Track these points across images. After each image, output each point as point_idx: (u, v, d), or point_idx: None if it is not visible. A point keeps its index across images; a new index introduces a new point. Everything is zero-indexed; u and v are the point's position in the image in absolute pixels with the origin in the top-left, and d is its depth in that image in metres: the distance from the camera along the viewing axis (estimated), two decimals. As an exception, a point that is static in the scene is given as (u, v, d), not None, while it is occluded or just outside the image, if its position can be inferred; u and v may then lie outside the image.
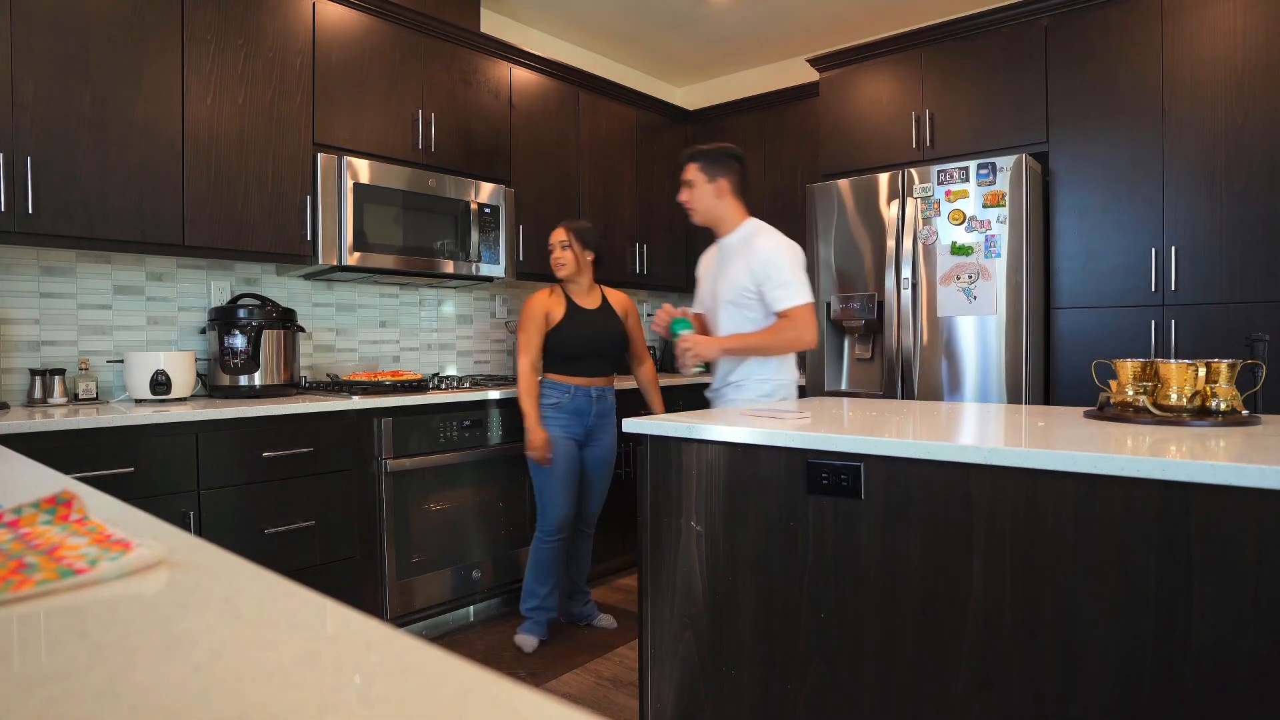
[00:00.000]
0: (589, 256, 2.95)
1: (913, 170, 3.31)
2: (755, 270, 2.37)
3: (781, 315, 2.35)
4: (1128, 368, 1.84)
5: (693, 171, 2.50)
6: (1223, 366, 1.73)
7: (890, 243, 3.36)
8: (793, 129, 4.31)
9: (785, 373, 2.48)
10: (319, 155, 2.95)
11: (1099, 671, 1.33)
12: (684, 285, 4.77)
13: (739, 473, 1.77)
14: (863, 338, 3.53)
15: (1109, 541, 1.32)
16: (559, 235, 2.93)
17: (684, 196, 2.54)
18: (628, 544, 3.78)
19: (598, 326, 2.95)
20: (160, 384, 2.58)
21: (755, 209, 4.38)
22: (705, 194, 2.49)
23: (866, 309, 3.43)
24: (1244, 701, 1.20)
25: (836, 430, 1.68)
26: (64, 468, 2.08)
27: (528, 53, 3.76)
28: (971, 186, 3.15)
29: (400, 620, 2.85)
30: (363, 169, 3.03)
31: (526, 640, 2.88)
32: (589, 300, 2.98)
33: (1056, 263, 3.23)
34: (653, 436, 1.92)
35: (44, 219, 2.34)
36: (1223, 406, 1.71)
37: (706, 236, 4.72)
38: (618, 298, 3.06)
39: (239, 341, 2.80)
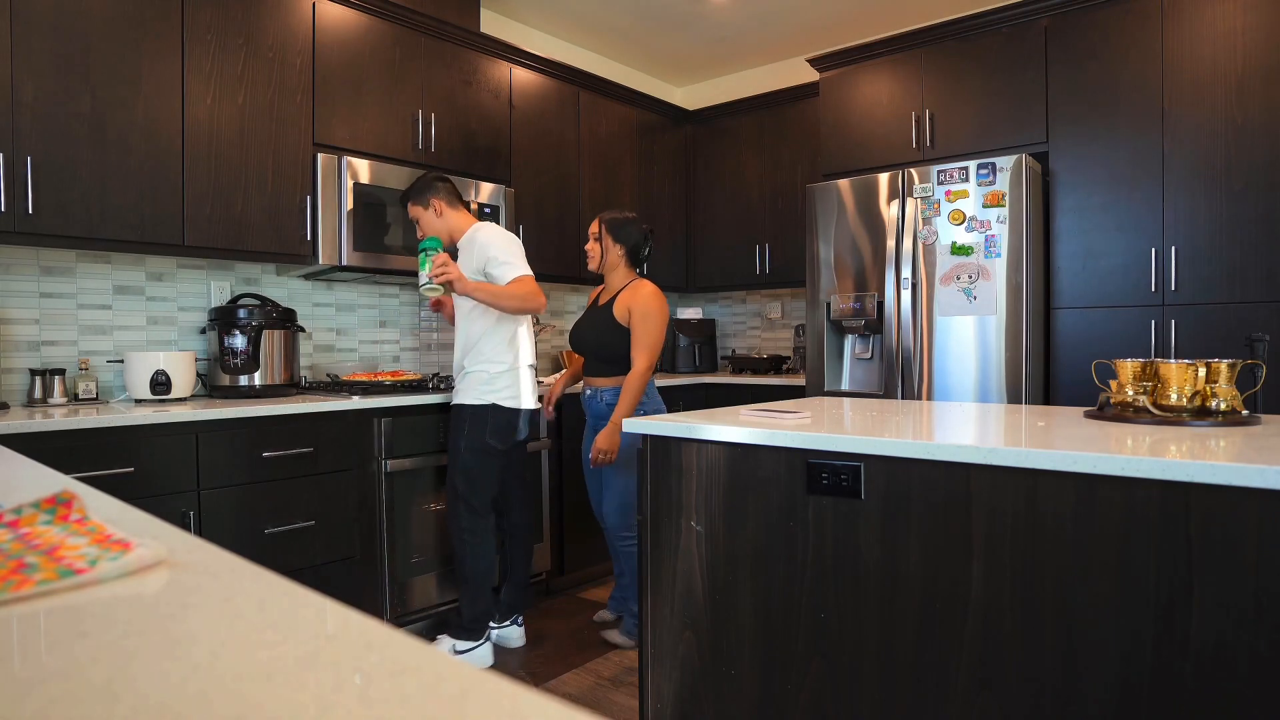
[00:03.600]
0: (618, 250, 2.90)
1: (913, 170, 3.31)
2: (478, 259, 2.66)
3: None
4: (1128, 368, 1.84)
5: (413, 212, 2.79)
6: (1223, 366, 1.73)
7: (890, 243, 3.36)
8: (793, 129, 4.31)
9: (505, 355, 2.69)
10: (319, 155, 2.95)
11: (1099, 671, 1.33)
12: (684, 285, 4.77)
13: (739, 473, 1.77)
14: (863, 338, 3.53)
15: (1109, 541, 1.32)
16: (592, 226, 2.96)
17: (419, 234, 2.80)
18: (628, 544, 3.78)
19: (586, 324, 2.93)
20: (160, 384, 2.58)
21: (756, 209, 4.43)
22: (430, 220, 2.76)
23: (866, 309, 3.43)
24: (1244, 701, 1.20)
25: (836, 430, 1.68)
26: (64, 468, 2.08)
27: (528, 53, 3.77)
28: (971, 186, 3.15)
29: (400, 620, 2.85)
30: (363, 169, 3.03)
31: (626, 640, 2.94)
32: (606, 296, 2.93)
33: (1056, 263, 3.23)
34: (653, 436, 1.92)
35: (44, 219, 2.34)
36: (1223, 406, 1.71)
37: (709, 236, 4.72)
38: (629, 293, 2.84)
39: (239, 341, 2.80)
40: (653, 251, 3.03)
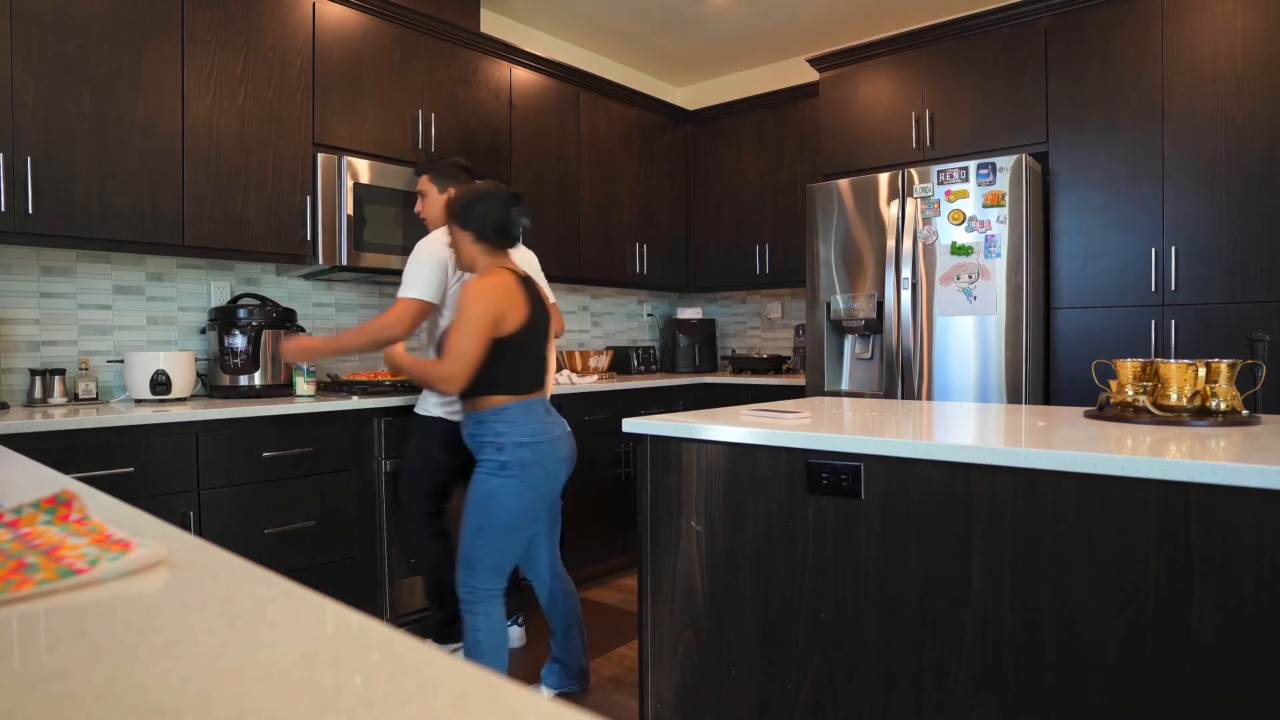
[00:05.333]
0: (469, 238, 2.19)
1: (913, 170, 3.31)
2: None
3: None
4: (1128, 368, 1.84)
5: (424, 183, 2.67)
6: (1223, 366, 1.73)
7: (890, 243, 3.36)
8: (793, 129, 4.31)
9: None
10: (319, 155, 2.95)
11: (1099, 671, 1.33)
12: (684, 285, 4.77)
13: (739, 473, 1.77)
14: (863, 338, 3.53)
15: (1109, 541, 1.32)
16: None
17: (419, 208, 2.70)
18: (628, 544, 3.78)
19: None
20: (160, 384, 2.58)
21: (756, 209, 4.43)
22: (436, 204, 2.65)
23: (866, 309, 3.43)
24: (1244, 701, 1.20)
25: (836, 430, 1.68)
26: (64, 468, 2.08)
27: (528, 53, 3.77)
28: (971, 186, 3.15)
29: (400, 620, 2.85)
30: (363, 169, 3.03)
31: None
32: None
33: (1056, 263, 3.23)
34: (653, 436, 1.92)
35: (44, 219, 2.34)
36: (1223, 406, 1.71)
37: (709, 236, 4.72)
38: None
39: (239, 341, 2.80)
40: (525, 221, 2.21)
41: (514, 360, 2.14)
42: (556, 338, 2.61)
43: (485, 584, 2.16)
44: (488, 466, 2.14)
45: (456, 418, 2.51)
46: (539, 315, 2.19)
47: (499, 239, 2.18)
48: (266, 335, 2.85)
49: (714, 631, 1.82)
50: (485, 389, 2.14)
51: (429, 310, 2.44)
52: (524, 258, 2.71)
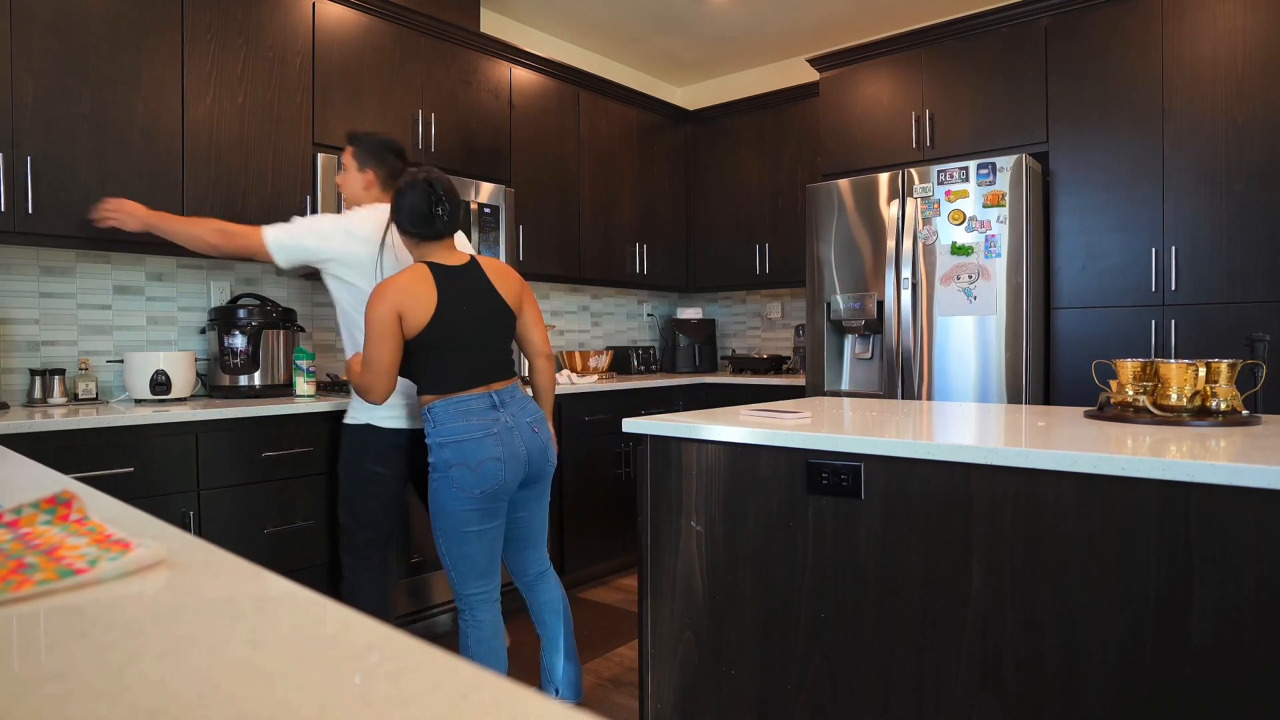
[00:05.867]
0: (395, 230, 2.22)
1: (913, 170, 3.31)
2: None
3: None
4: (1128, 368, 1.84)
5: (348, 156, 2.42)
6: (1223, 366, 1.73)
7: (890, 243, 3.36)
8: (793, 129, 4.31)
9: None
10: (319, 155, 2.95)
11: (1099, 671, 1.33)
12: (684, 285, 4.77)
13: (739, 473, 1.77)
14: (863, 338, 3.53)
15: (1109, 541, 1.32)
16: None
17: (339, 179, 2.47)
18: (628, 544, 3.78)
19: None
20: (160, 384, 2.58)
21: (756, 209, 4.43)
22: (354, 181, 2.42)
23: (866, 309, 3.43)
24: (1244, 701, 1.20)
25: (836, 430, 1.68)
26: (64, 468, 2.08)
27: (528, 53, 3.77)
28: (971, 186, 3.15)
29: (400, 620, 2.85)
30: (363, 169, 3.03)
31: None
32: None
33: (1056, 263, 3.23)
34: (653, 436, 1.92)
35: (44, 219, 2.34)
36: (1223, 406, 1.71)
37: (709, 236, 4.72)
38: None
39: (239, 341, 2.80)
40: (444, 206, 2.07)
41: (433, 357, 2.03)
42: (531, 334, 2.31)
43: (466, 589, 2.11)
44: (431, 469, 2.09)
45: (394, 424, 2.32)
46: (462, 306, 2.05)
47: (423, 229, 2.06)
48: (266, 335, 2.85)
49: (714, 631, 1.82)
50: (419, 390, 2.08)
51: (263, 252, 2.29)
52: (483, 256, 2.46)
